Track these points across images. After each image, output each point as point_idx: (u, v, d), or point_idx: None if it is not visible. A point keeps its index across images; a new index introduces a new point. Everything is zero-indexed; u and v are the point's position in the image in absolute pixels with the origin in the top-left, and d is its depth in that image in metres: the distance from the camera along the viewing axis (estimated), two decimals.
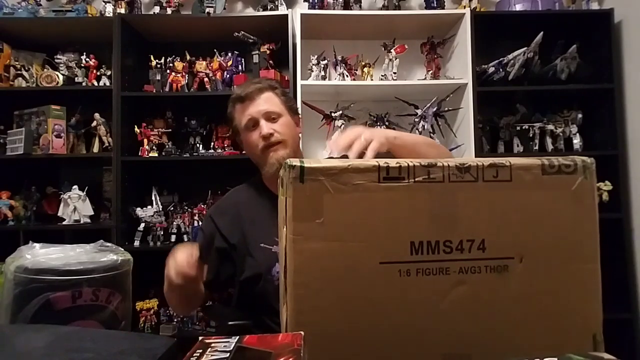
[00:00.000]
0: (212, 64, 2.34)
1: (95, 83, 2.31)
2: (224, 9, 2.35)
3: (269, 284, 1.09)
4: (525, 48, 2.23)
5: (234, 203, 1.23)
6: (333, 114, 2.33)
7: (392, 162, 0.54)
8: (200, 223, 2.26)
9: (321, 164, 0.53)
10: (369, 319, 0.54)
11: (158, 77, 2.30)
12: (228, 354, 0.43)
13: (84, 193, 2.25)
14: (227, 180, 1.76)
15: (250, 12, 2.53)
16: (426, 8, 2.37)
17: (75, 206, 2.22)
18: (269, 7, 2.36)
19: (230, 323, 1.33)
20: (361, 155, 0.77)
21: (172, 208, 2.34)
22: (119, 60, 2.20)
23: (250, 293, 1.14)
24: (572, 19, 2.37)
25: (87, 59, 2.33)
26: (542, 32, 2.19)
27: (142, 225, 2.24)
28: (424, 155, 0.87)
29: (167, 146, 2.30)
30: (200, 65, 2.32)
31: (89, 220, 2.26)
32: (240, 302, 1.22)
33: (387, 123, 2.38)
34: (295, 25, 2.28)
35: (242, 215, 1.19)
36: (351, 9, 2.34)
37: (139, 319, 2.17)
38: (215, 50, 2.35)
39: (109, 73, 2.30)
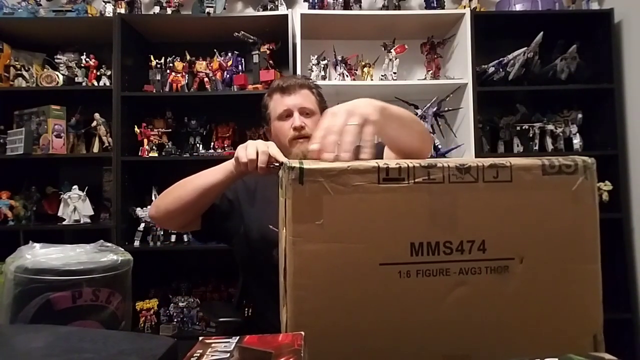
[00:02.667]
0: (212, 64, 2.34)
1: (95, 83, 2.31)
2: (224, 9, 2.35)
3: (266, 265, 1.08)
4: (525, 48, 2.23)
5: (254, 180, 1.27)
6: None
7: (392, 163, 0.54)
8: None
9: (320, 165, 0.53)
10: (369, 320, 0.53)
11: (158, 77, 2.30)
12: (228, 354, 0.43)
13: (84, 193, 2.25)
14: None
15: (250, 12, 2.53)
16: (426, 8, 2.37)
17: (75, 206, 2.22)
18: (269, 7, 2.36)
19: (221, 320, 1.35)
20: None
21: None
22: (119, 60, 2.20)
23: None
24: (572, 19, 2.37)
25: (87, 59, 2.33)
26: (542, 32, 2.19)
27: (142, 225, 2.25)
28: (412, 130, 0.84)
29: (167, 146, 2.31)
30: (200, 65, 2.32)
31: (89, 220, 2.26)
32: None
33: None
34: (295, 25, 2.28)
35: (257, 191, 1.25)
36: (351, 9, 2.34)
37: (139, 319, 2.17)
38: (215, 50, 2.35)
39: (109, 73, 2.30)
